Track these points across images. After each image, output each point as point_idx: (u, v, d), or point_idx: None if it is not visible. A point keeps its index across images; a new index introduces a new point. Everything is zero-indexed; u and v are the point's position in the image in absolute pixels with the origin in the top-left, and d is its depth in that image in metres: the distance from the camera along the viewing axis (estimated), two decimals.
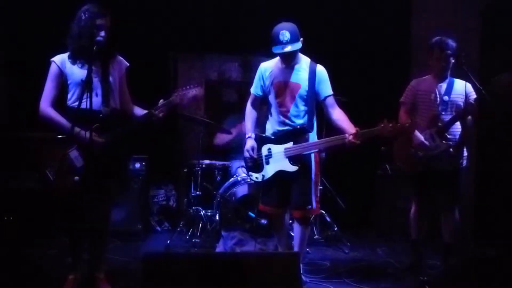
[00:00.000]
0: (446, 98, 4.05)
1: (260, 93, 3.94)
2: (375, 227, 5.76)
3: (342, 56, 5.87)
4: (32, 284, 3.91)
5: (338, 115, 3.79)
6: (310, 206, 3.82)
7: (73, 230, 3.62)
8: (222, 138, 5.70)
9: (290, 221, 4.31)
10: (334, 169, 5.32)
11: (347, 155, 4.11)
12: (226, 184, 5.16)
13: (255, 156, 3.85)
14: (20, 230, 4.88)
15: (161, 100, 3.54)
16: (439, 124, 4.02)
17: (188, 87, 3.62)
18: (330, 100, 3.83)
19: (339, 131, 3.71)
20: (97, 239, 3.66)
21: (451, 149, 4.01)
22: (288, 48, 3.62)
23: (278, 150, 3.81)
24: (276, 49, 3.66)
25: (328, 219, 5.29)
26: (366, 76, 5.91)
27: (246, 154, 3.88)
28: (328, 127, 4.19)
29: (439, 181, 4.09)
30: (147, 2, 5.91)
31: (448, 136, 4.02)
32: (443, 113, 4.04)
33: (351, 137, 3.58)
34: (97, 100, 3.42)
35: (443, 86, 4.10)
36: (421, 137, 4.05)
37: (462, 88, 4.09)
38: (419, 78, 4.28)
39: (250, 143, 3.89)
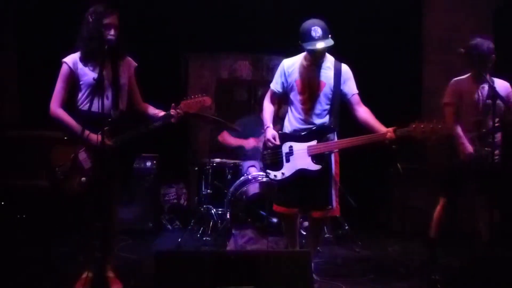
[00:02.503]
0: (489, 101, 3.82)
1: (280, 90, 3.81)
2: (386, 226, 5.73)
3: (352, 55, 5.83)
4: (44, 282, 3.92)
5: (365, 114, 3.69)
6: (330, 206, 3.73)
7: (84, 229, 3.64)
8: (249, 143, 5.52)
9: (301, 219, 4.29)
10: (345, 167, 5.31)
11: (359, 153, 4.06)
12: (237, 182, 5.14)
13: (278, 143, 3.68)
14: (32, 228, 4.90)
15: (173, 105, 3.51)
16: (483, 130, 3.86)
17: (196, 96, 3.56)
18: (356, 98, 3.74)
19: (367, 130, 3.62)
20: (105, 238, 3.68)
21: (495, 157, 3.83)
22: (322, 44, 3.50)
23: (300, 147, 3.66)
24: (309, 45, 3.53)
25: (339, 217, 5.27)
26: (377, 75, 5.86)
27: (269, 144, 3.68)
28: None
29: (479, 181, 3.93)
30: (158, 2, 5.93)
31: (489, 141, 3.85)
32: (487, 117, 3.88)
33: (390, 133, 3.48)
34: (107, 103, 3.43)
35: (485, 88, 3.92)
36: (470, 148, 3.88)
37: (504, 90, 3.90)
38: (457, 78, 4.09)
39: (270, 132, 3.71)
